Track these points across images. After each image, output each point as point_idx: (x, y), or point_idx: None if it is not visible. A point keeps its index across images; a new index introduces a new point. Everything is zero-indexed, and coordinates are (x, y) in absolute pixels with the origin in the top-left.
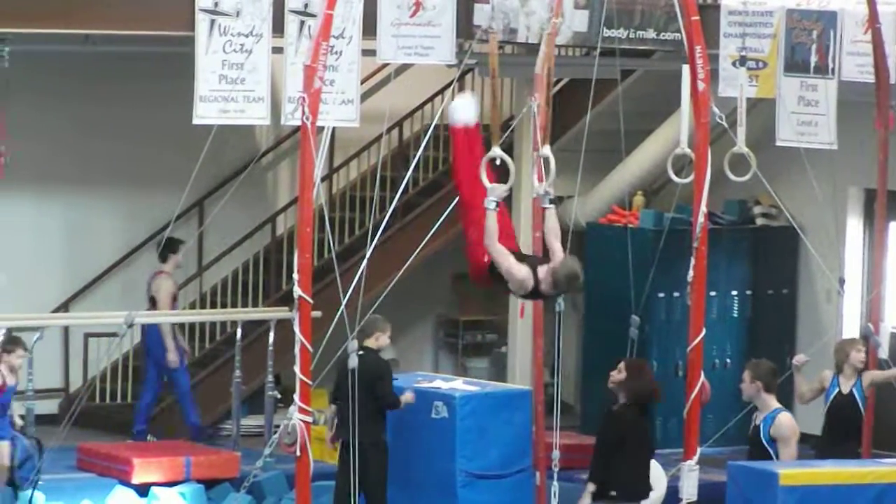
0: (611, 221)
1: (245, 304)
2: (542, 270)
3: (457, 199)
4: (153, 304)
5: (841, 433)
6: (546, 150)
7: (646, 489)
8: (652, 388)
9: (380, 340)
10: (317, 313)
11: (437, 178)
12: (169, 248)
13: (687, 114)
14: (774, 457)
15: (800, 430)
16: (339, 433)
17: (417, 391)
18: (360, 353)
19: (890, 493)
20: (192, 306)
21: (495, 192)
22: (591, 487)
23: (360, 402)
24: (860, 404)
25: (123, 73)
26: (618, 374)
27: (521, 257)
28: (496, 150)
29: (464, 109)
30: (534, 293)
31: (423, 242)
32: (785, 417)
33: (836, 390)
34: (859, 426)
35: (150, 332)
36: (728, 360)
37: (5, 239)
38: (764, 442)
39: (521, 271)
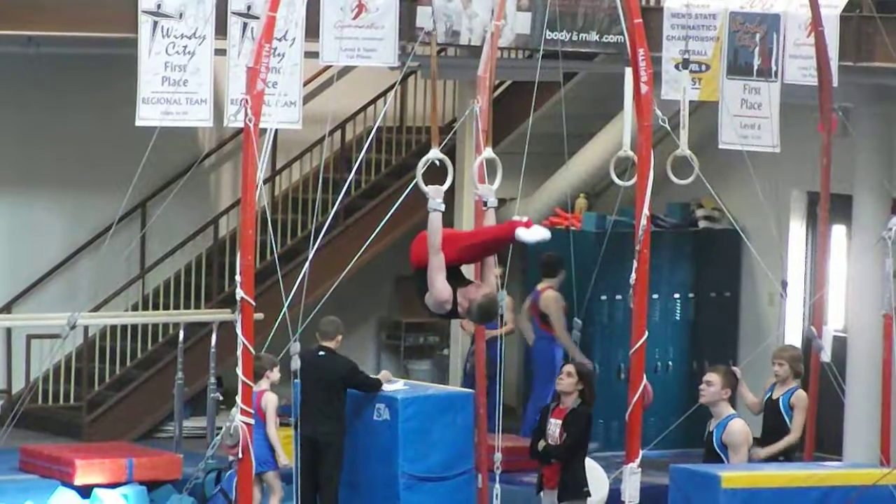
0: (553, 224)
1: (188, 306)
2: (462, 293)
3: (398, 202)
4: (544, 319)
5: (766, 437)
6: (488, 152)
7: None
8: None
9: (339, 342)
10: (259, 315)
11: (380, 181)
12: (559, 265)
13: (630, 116)
14: (727, 462)
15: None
16: (302, 427)
17: (359, 394)
18: (322, 353)
19: (832, 496)
20: (135, 308)
21: (438, 193)
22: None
23: (323, 401)
24: (783, 413)
25: (66, 76)
26: (569, 378)
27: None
28: (434, 152)
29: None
30: (449, 314)
31: (366, 245)
32: (737, 424)
33: (769, 395)
34: (779, 433)
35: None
36: (670, 363)
37: None
38: (717, 448)
39: (444, 292)
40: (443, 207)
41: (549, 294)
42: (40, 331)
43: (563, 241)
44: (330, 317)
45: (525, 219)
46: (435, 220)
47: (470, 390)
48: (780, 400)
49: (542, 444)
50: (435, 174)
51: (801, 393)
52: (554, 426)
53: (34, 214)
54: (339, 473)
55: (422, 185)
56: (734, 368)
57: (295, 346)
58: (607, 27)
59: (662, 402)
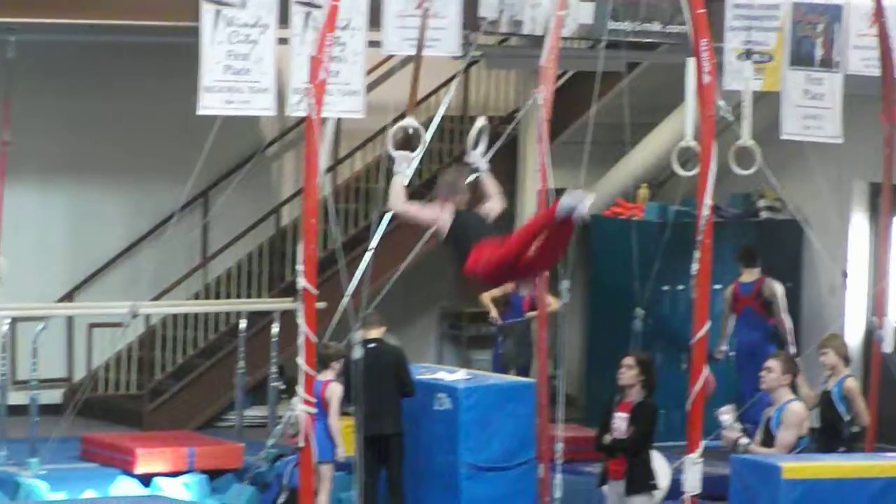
0: (615, 214)
1: (249, 295)
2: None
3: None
4: (766, 307)
5: (824, 429)
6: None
7: None
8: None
9: (383, 332)
10: (321, 304)
11: (442, 170)
12: (758, 255)
13: (692, 107)
14: None
15: (808, 423)
16: (366, 427)
17: (421, 383)
18: (372, 345)
19: (893, 488)
20: (197, 297)
21: (405, 158)
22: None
23: (384, 394)
24: (836, 403)
25: (128, 64)
26: (629, 371)
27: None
28: (409, 120)
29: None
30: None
31: (428, 234)
32: (796, 405)
33: (824, 387)
34: (834, 424)
35: None
36: (732, 354)
37: (9, 229)
38: (773, 432)
39: (429, 213)
40: (408, 173)
41: (771, 281)
42: (102, 319)
43: (625, 231)
44: (368, 310)
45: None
46: (397, 183)
47: (531, 380)
48: (833, 391)
49: (607, 437)
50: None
51: (850, 381)
52: (620, 420)
53: (96, 203)
54: (402, 465)
55: (391, 150)
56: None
57: (357, 335)
58: (670, 17)
59: (724, 392)
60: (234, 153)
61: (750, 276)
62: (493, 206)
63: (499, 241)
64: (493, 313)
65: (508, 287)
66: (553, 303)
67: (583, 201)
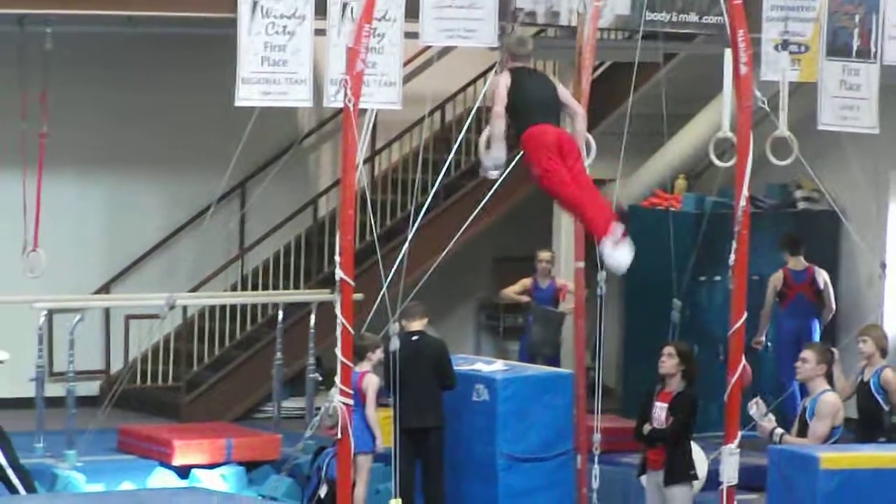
0: (653, 205)
1: (287, 287)
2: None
3: (497, 182)
4: (818, 295)
5: (862, 419)
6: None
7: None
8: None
9: (425, 324)
10: (358, 296)
11: (479, 161)
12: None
13: (729, 98)
14: None
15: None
16: (407, 419)
17: (458, 374)
18: (415, 337)
19: None
20: (234, 288)
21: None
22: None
23: (425, 386)
24: (875, 394)
25: (165, 55)
26: (670, 360)
27: None
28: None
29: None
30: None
31: (465, 225)
32: (830, 395)
33: (861, 378)
34: (874, 414)
35: None
36: (769, 345)
37: (47, 221)
38: (809, 423)
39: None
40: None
41: (819, 270)
42: (139, 311)
43: (662, 221)
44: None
45: (620, 231)
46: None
47: (569, 371)
48: (871, 382)
49: (647, 427)
50: None
51: (888, 372)
52: (660, 410)
53: (133, 194)
54: (443, 457)
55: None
56: (831, 350)
57: (394, 327)
58: (707, 8)
59: (761, 383)
60: (271, 144)
61: (798, 263)
62: (577, 126)
63: (553, 132)
64: (525, 298)
65: (527, 282)
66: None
67: (626, 262)
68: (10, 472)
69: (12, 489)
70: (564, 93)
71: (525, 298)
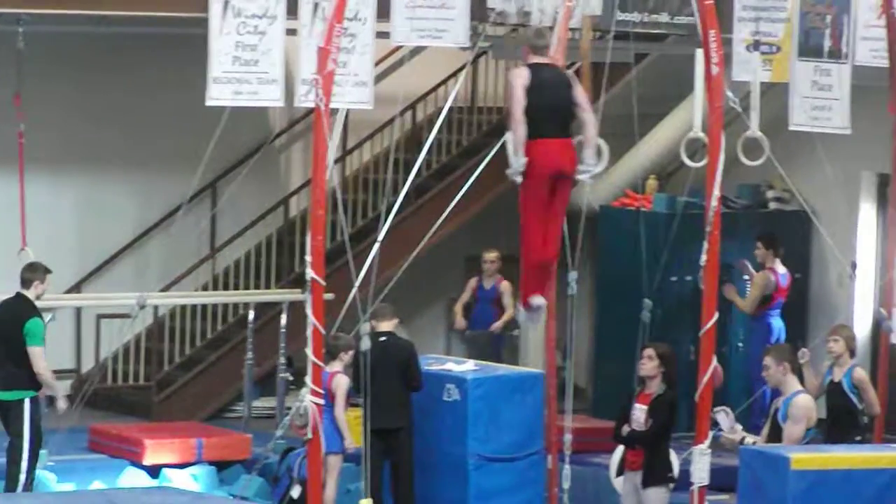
0: (624, 205)
1: (258, 286)
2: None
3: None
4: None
5: (834, 420)
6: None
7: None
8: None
9: (395, 325)
10: (329, 296)
11: (450, 162)
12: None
13: (700, 98)
14: None
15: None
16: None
17: (429, 374)
18: (383, 338)
19: None
20: (205, 288)
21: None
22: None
23: (393, 387)
24: (849, 393)
25: (137, 55)
26: (650, 361)
27: None
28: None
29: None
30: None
31: (436, 225)
32: (803, 398)
33: (830, 378)
34: (848, 414)
35: None
36: (740, 345)
37: (18, 220)
38: (780, 424)
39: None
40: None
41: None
42: (110, 310)
43: (633, 221)
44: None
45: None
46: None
47: (540, 371)
48: (843, 381)
49: (626, 428)
50: None
51: (859, 370)
52: (639, 411)
53: (104, 194)
54: (412, 457)
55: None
56: (802, 350)
57: (365, 327)
58: (678, 8)
59: (732, 383)
60: (242, 144)
61: (781, 267)
62: (588, 132)
63: (556, 162)
64: (459, 323)
65: (472, 283)
66: (509, 312)
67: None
68: None
69: None
70: (579, 92)
71: (461, 324)
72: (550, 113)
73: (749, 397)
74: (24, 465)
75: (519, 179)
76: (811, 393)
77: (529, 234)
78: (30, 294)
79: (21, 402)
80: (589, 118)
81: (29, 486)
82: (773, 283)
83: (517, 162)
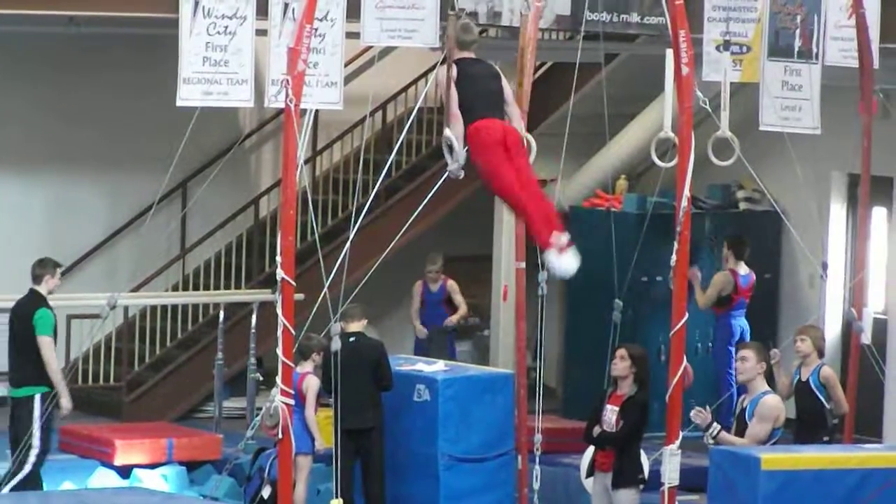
0: (594, 205)
1: (228, 287)
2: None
3: (439, 182)
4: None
5: (803, 419)
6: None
7: None
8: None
9: (364, 325)
10: (299, 296)
11: (421, 162)
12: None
13: (671, 98)
14: None
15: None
16: (346, 420)
17: (400, 374)
18: (353, 339)
19: (871, 479)
20: (175, 288)
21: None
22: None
23: (363, 387)
24: (816, 392)
25: (106, 57)
26: (622, 362)
27: None
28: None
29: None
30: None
31: (407, 225)
32: (771, 398)
33: (797, 378)
34: (816, 413)
35: None
36: (710, 345)
37: None
38: (748, 423)
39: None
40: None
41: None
42: (80, 311)
43: (603, 222)
44: (351, 302)
45: (565, 240)
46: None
47: (510, 371)
48: (810, 380)
49: (597, 429)
50: None
51: (827, 369)
52: (610, 412)
53: (74, 194)
54: (384, 457)
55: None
56: (773, 350)
57: (336, 327)
58: (648, 9)
59: (702, 383)
60: (212, 144)
61: (742, 267)
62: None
63: (499, 127)
64: (421, 332)
65: (418, 286)
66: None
67: (570, 270)
68: None
69: None
70: (506, 87)
71: (423, 332)
72: (483, 100)
73: (714, 397)
74: (32, 459)
75: (461, 175)
76: (782, 393)
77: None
78: (41, 289)
79: (31, 398)
80: (514, 112)
81: (33, 482)
82: (732, 284)
83: (459, 156)
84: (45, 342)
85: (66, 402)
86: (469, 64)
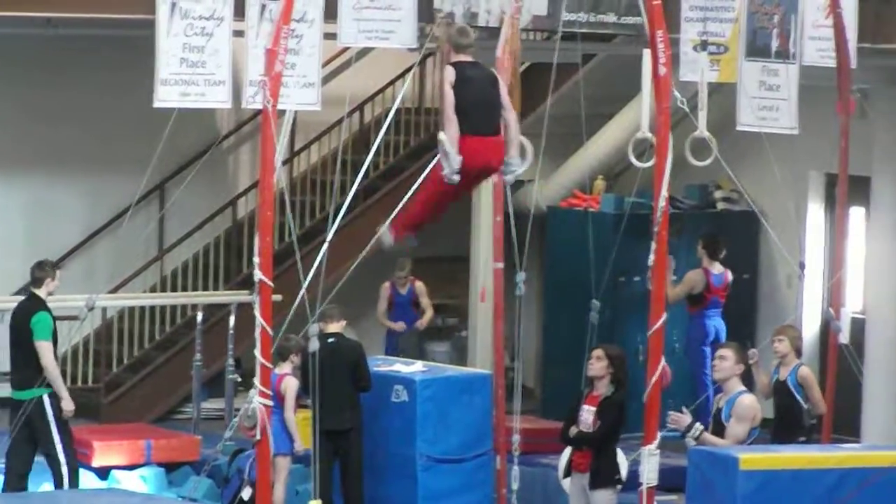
0: (571, 205)
1: (206, 288)
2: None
3: (416, 183)
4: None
5: (781, 419)
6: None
7: None
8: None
9: (343, 326)
10: (277, 297)
11: (398, 163)
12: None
13: (648, 98)
14: None
15: (761, 417)
16: (325, 421)
17: (378, 375)
18: (331, 339)
19: (850, 478)
20: (153, 289)
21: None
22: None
23: (342, 388)
24: (794, 392)
25: (85, 57)
26: (599, 362)
27: None
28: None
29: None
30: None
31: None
32: (748, 398)
33: (776, 377)
34: (794, 413)
35: None
36: (676, 345)
37: None
38: (724, 422)
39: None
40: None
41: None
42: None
43: (581, 222)
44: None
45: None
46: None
47: (488, 371)
48: (788, 380)
49: (573, 430)
50: None
51: (804, 368)
52: (587, 413)
53: (52, 195)
54: (362, 458)
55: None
56: (752, 350)
57: (314, 328)
58: (625, 9)
59: (680, 384)
60: (190, 145)
61: (716, 267)
62: (511, 134)
63: (483, 160)
64: (399, 325)
65: (386, 287)
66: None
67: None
68: None
69: None
70: (504, 92)
71: (400, 325)
72: (478, 109)
73: (692, 397)
74: (62, 458)
75: (456, 179)
76: (762, 392)
77: (423, 210)
78: (41, 292)
79: (40, 399)
80: (511, 117)
81: (73, 479)
82: (704, 283)
83: (454, 161)
84: (42, 347)
85: (66, 404)
86: (467, 67)
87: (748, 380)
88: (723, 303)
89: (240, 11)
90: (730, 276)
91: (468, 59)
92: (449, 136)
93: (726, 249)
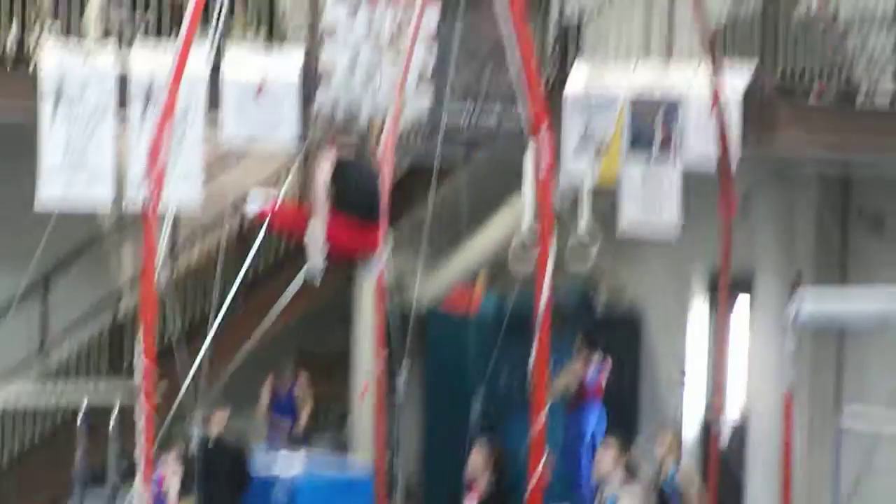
0: (452, 307)
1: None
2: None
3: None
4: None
5: None
6: None
7: None
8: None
9: (224, 424)
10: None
11: (278, 260)
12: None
13: (530, 199)
14: None
15: None
16: None
17: (258, 479)
18: (213, 440)
19: None
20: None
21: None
22: None
23: (223, 488)
24: (671, 495)
25: None
26: (480, 459)
27: None
28: None
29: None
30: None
31: (270, 320)
32: (628, 496)
33: (654, 481)
34: None
35: None
36: (561, 444)
37: None
38: None
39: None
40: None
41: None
42: None
43: (460, 327)
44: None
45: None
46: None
47: (369, 472)
48: (665, 485)
49: None
50: None
51: (684, 471)
52: None
53: None
54: None
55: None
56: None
57: (194, 429)
58: (510, 106)
59: (561, 482)
60: (71, 242)
61: (594, 367)
62: None
63: (360, 244)
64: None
65: (268, 384)
66: (306, 410)
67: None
68: None
69: None
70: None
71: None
72: (359, 202)
73: (571, 493)
74: None
75: (318, 278)
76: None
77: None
78: None
79: None
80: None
81: None
82: (578, 383)
83: (318, 261)
84: None
85: None
86: (347, 163)
87: (633, 472)
88: (599, 403)
89: (123, 109)
90: (605, 376)
91: (349, 154)
92: (316, 236)
93: (608, 352)
